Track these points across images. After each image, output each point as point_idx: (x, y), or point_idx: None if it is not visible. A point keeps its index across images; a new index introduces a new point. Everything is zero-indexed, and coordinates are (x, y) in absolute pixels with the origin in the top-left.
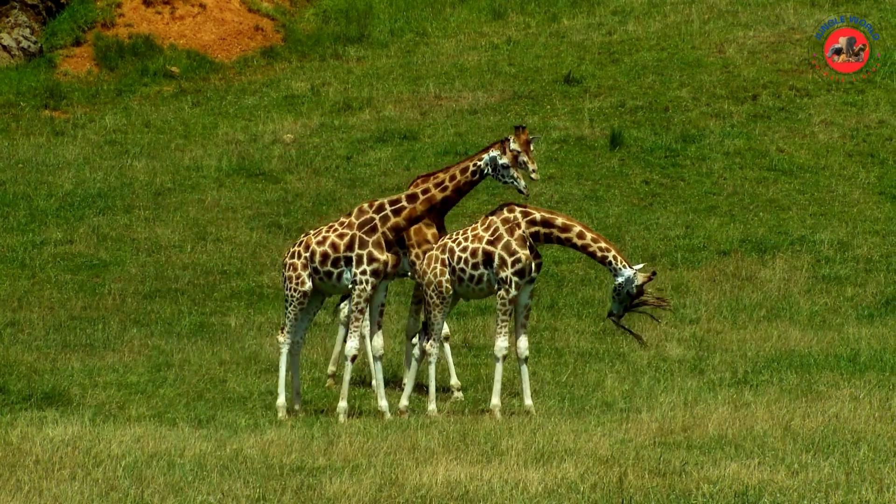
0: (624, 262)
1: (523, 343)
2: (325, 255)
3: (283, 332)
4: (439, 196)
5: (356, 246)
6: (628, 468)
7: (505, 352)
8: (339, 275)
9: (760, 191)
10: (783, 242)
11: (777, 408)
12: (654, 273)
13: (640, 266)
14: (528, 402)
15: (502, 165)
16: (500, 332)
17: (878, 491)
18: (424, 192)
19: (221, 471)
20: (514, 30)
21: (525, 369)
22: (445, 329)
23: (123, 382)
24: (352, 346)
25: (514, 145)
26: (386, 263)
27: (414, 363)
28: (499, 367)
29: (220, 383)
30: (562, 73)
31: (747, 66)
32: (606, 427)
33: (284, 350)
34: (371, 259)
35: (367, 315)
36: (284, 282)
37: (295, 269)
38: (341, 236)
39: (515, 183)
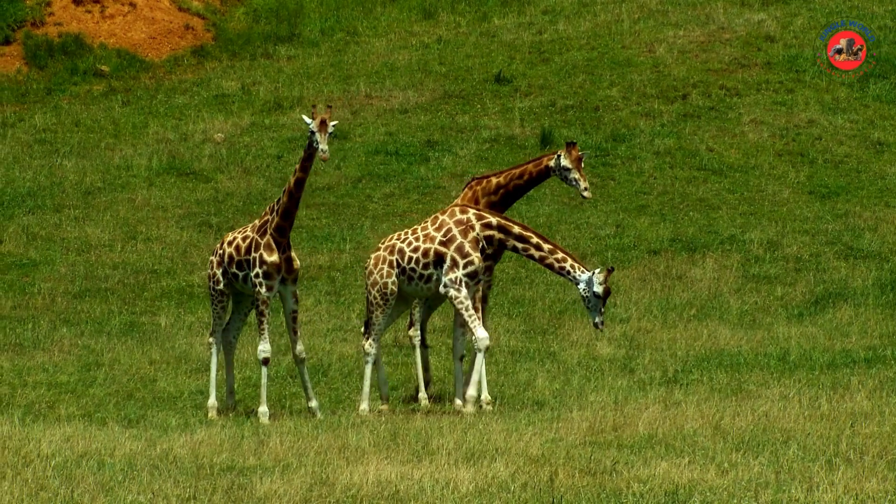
0: (581, 268)
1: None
2: (230, 258)
3: (212, 333)
4: (295, 181)
5: (252, 249)
6: (559, 467)
7: (487, 342)
8: (245, 277)
9: (690, 190)
10: (713, 242)
11: (707, 407)
12: (611, 269)
13: (598, 270)
14: (459, 401)
15: (322, 121)
16: (474, 325)
17: (807, 490)
18: (290, 183)
19: (151, 470)
20: (444, 29)
21: (459, 367)
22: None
23: (53, 382)
24: (263, 349)
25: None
26: (277, 266)
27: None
28: (480, 358)
29: (150, 383)
30: (492, 73)
31: (677, 66)
32: (537, 426)
33: (214, 350)
34: (261, 262)
35: (267, 318)
36: (207, 280)
37: (212, 268)
38: (245, 239)
39: (318, 145)
